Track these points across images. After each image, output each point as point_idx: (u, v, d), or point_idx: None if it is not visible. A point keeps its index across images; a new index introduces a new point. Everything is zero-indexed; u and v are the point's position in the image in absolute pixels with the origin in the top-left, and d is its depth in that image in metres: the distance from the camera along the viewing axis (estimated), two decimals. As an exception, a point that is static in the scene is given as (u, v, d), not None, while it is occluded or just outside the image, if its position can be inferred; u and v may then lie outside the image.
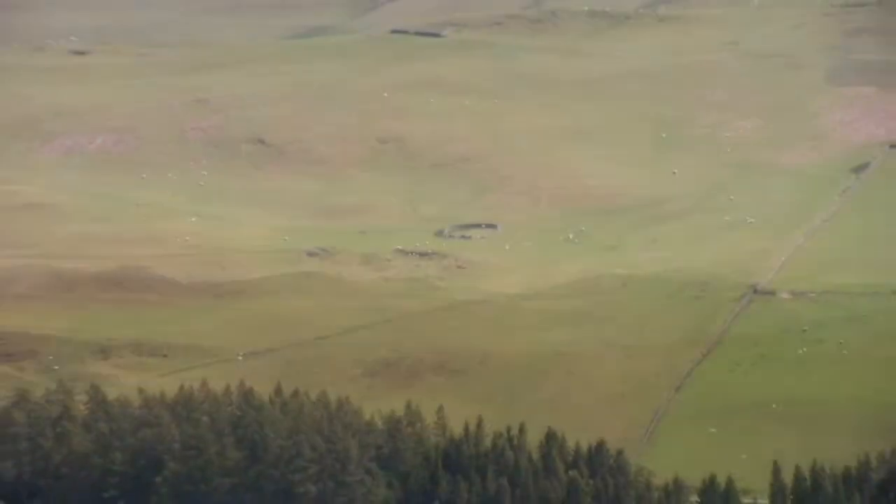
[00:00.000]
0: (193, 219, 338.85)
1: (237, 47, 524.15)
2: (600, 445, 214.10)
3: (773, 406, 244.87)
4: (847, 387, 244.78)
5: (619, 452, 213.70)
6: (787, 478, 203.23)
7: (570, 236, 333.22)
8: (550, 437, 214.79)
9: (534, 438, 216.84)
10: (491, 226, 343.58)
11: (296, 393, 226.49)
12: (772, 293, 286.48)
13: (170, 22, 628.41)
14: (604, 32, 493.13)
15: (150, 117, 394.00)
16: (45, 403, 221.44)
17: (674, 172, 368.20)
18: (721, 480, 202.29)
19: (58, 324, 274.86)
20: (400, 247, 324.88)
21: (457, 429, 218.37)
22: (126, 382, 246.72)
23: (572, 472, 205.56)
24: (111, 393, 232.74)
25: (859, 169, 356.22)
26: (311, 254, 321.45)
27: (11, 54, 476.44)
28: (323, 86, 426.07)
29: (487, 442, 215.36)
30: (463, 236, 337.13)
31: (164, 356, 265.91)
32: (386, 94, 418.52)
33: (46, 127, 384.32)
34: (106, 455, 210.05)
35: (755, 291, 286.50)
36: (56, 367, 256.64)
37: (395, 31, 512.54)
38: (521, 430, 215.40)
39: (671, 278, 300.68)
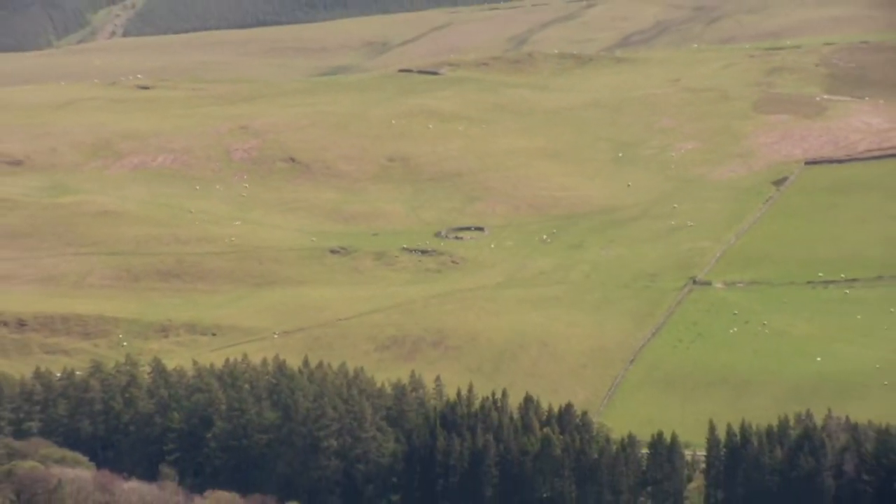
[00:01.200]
0: (237, 223, 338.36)
1: (273, 83, 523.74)
2: (568, 407, 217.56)
3: (709, 375, 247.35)
4: (768, 360, 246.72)
5: (584, 413, 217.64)
6: (721, 434, 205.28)
7: (544, 237, 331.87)
8: (528, 401, 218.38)
9: (514, 401, 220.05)
10: (479, 228, 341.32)
11: (320, 364, 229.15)
12: (708, 283, 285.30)
13: (218, 63, 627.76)
14: (571, 71, 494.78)
15: (202, 140, 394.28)
16: (116, 373, 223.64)
17: (628, 185, 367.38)
18: (667, 436, 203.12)
19: (126, 308, 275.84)
20: (405, 246, 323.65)
21: (451, 394, 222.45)
22: (182, 356, 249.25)
23: (546, 429, 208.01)
24: (170, 365, 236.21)
25: (779, 182, 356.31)
26: (332, 251, 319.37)
27: (91, 89, 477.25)
28: (342, 114, 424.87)
29: (476, 404, 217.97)
30: (456, 237, 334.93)
31: (213, 335, 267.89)
32: (393, 122, 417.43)
33: (118, 148, 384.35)
34: (165, 415, 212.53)
35: (694, 282, 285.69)
36: (125, 344, 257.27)
37: (401, 70, 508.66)
38: (504, 394, 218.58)
39: (625, 271, 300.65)
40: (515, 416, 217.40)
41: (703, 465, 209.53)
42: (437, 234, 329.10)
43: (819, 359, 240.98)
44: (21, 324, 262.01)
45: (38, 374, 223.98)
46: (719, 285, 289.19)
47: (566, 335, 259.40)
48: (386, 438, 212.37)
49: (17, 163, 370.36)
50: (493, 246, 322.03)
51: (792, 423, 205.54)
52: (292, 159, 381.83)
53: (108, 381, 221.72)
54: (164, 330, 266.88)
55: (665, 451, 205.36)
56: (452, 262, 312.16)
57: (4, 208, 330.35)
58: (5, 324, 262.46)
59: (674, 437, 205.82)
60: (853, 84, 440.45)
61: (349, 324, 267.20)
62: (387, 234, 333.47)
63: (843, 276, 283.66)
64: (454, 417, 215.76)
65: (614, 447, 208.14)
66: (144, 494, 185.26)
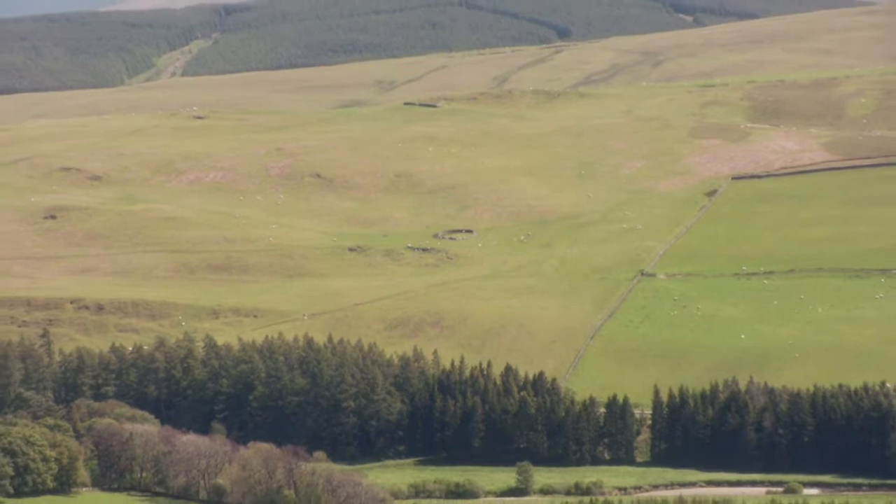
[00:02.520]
0: (273, 226, 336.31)
1: (302, 114, 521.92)
2: (541, 375, 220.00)
3: (654, 349, 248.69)
4: (702, 336, 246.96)
5: (553, 380, 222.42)
6: (664, 396, 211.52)
7: (521, 238, 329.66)
8: (508, 370, 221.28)
9: (497, 370, 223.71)
10: (469, 231, 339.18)
11: (341, 341, 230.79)
12: (653, 275, 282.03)
13: (258, 98, 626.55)
14: (543, 104, 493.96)
15: (245, 160, 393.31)
16: (176, 348, 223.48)
17: (588, 196, 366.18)
18: (620, 398, 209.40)
19: (184, 295, 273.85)
20: (409, 245, 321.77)
21: (447, 364, 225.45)
22: (229, 334, 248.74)
23: (522, 393, 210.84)
24: (220, 341, 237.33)
25: (710, 193, 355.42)
26: (350, 249, 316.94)
27: (155, 118, 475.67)
28: (358, 139, 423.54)
29: (467, 373, 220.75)
30: (451, 238, 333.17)
31: (255, 316, 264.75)
32: (399, 145, 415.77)
33: (177, 166, 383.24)
34: (216, 381, 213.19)
35: (642, 274, 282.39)
36: (183, 324, 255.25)
37: (406, 104, 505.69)
38: (489, 365, 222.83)
39: (587, 265, 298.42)
40: (498, 382, 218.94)
41: (649, 422, 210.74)
42: (435, 236, 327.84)
43: (743, 336, 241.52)
44: (100, 308, 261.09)
45: (113, 349, 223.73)
46: (662, 277, 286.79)
47: (539, 317, 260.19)
48: (394, 400, 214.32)
49: (96, 178, 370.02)
50: (480, 245, 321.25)
51: (721, 387, 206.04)
52: (318, 175, 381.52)
53: (169, 353, 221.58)
54: (214, 313, 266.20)
55: (619, 410, 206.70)
56: (447, 258, 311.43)
57: (87, 215, 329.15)
58: (87, 308, 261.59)
59: (626, 399, 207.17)
60: (771, 114, 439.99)
61: (364, 308, 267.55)
62: (394, 235, 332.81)
63: (762, 269, 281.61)
64: (449, 383, 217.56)
65: (578, 407, 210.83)
66: (199, 445, 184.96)
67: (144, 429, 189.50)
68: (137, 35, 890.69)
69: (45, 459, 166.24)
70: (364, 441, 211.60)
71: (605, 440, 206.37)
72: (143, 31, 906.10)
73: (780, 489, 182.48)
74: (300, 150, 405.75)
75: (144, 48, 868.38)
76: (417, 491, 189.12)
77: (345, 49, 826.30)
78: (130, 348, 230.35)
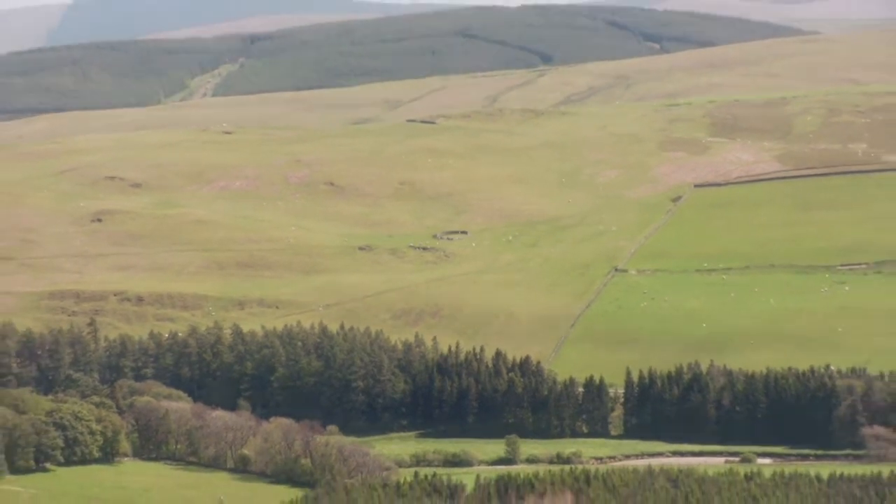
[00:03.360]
0: (292, 228, 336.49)
1: (318, 129, 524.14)
2: (527, 358, 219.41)
3: (627, 335, 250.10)
4: (669, 325, 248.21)
5: (538, 363, 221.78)
6: (635, 377, 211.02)
7: (510, 238, 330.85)
8: (498, 354, 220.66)
9: (489, 354, 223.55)
10: (464, 232, 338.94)
11: (351, 328, 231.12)
12: (625, 271, 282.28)
13: (279, 115, 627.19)
14: (529, 121, 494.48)
15: (268, 170, 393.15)
16: (207, 334, 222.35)
17: (569, 202, 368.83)
18: (597, 379, 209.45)
19: (214, 289, 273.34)
20: (411, 244, 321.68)
21: (444, 349, 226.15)
22: (253, 322, 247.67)
23: (511, 374, 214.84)
24: (245, 328, 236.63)
25: (676, 199, 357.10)
26: (360, 248, 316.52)
27: (189, 133, 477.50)
28: (367, 151, 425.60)
29: (462, 357, 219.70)
30: (448, 238, 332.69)
31: (277, 307, 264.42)
32: (403, 157, 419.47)
33: (208, 175, 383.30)
34: (242, 364, 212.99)
35: (616, 270, 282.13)
36: (213, 314, 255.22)
37: (408, 121, 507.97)
38: (482, 350, 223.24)
39: (568, 262, 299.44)
40: (490, 365, 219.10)
41: (622, 400, 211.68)
42: (434, 236, 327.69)
43: (704, 325, 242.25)
44: (140, 299, 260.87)
45: (151, 336, 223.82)
46: (633, 272, 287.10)
47: (526, 307, 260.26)
48: (398, 380, 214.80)
49: (137, 185, 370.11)
50: (473, 245, 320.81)
51: (685, 369, 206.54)
52: (332, 183, 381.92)
53: (201, 339, 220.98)
54: (240, 304, 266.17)
55: (595, 389, 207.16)
56: (445, 256, 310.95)
57: (128, 218, 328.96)
58: (129, 299, 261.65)
59: (601, 380, 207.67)
60: (728, 130, 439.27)
61: (371, 300, 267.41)
62: (398, 236, 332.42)
63: (721, 266, 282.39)
64: (446, 366, 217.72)
65: (559, 386, 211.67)
66: (227, 420, 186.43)
67: (179, 406, 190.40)
68: (173, 60, 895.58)
69: (92, 432, 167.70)
70: (371, 416, 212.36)
71: (584, 416, 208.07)
72: (178, 56, 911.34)
73: (736, 459, 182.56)
74: (316, 161, 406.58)
75: (179, 72, 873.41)
76: (418, 460, 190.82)
77: (355, 73, 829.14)
78: (166, 335, 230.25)
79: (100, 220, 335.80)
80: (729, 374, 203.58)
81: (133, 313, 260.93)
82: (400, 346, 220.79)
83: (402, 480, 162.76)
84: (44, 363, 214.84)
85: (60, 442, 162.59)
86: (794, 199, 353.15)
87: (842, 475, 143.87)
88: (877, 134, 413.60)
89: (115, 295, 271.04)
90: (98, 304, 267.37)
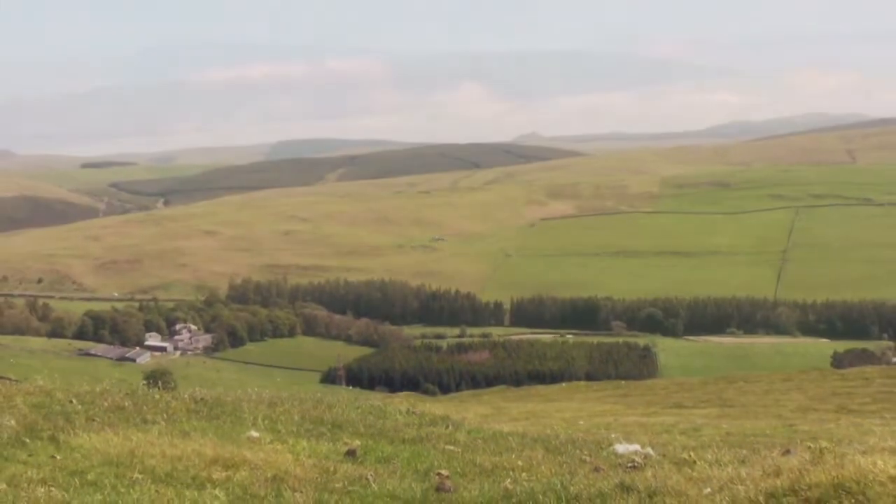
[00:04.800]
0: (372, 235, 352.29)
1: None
2: (468, 293, 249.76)
3: (509, 285, 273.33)
4: (530, 279, 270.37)
5: (471, 293, 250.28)
6: (514, 299, 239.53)
7: (463, 241, 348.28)
8: (457, 292, 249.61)
9: (453, 290, 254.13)
10: (443, 238, 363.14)
11: (391, 280, 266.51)
12: (510, 255, 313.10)
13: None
14: (468, 193, 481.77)
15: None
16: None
17: (494, 223, 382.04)
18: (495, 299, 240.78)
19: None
20: (418, 244, 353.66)
21: (436, 288, 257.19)
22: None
23: (462, 299, 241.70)
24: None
25: (532, 225, 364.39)
26: (398, 246, 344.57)
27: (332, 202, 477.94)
28: (384, 210, 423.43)
29: (442, 291, 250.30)
30: (436, 240, 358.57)
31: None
32: (417, 207, 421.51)
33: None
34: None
35: (506, 256, 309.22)
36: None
37: (420, 192, 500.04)
38: (456, 290, 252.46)
39: (484, 252, 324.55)
40: (454, 291, 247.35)
41: (507, 309, 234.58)
42: (430, 240, 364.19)
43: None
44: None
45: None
46: (514, 256, 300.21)
47: (468, 270, 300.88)
48: (413, 299, 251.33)
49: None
50: (447, 242, 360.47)
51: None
52: (386, 218, 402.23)
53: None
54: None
55: (493, 303, 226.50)
56: (435, 247, 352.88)
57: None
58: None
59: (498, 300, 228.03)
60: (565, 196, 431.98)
61: (405, 267, 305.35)
62: (414, 240, 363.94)
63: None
64: (437, 294, 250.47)
65: (481, 302, 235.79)
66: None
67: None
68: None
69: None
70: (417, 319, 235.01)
71: (492, 320, 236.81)
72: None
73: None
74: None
75: (320, 167, 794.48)
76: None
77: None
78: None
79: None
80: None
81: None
82: (416, 285, 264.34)
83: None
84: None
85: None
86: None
87: None
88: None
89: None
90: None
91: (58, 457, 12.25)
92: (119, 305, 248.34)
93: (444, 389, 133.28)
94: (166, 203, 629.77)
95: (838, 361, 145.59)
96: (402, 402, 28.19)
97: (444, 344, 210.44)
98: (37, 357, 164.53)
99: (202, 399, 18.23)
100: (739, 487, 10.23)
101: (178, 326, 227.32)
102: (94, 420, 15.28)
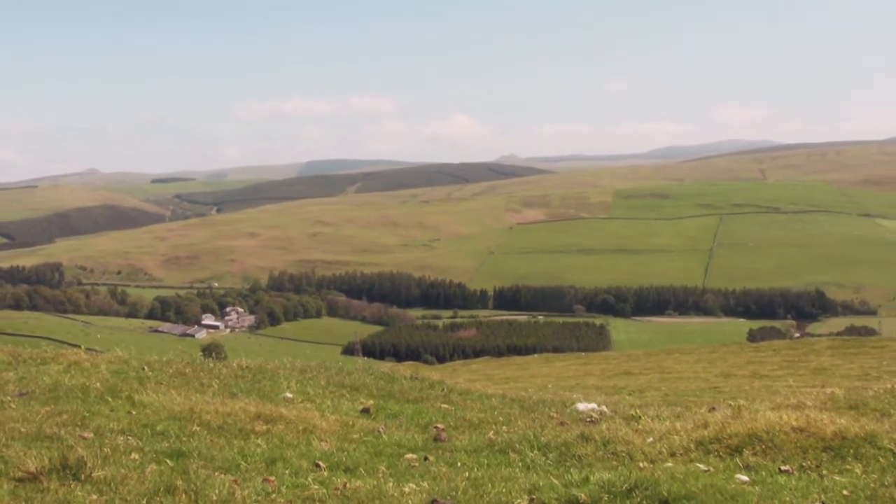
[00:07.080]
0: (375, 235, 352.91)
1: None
2: (459, 283, 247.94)
3: (495, 276, 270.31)
4: (504, 269, 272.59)
5: (461, 283, 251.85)
6: (497, 287, 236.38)
7: (453, 240, 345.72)
8: (450, 282, 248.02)
9: (448, 279, 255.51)
10: (438, 239, 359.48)
11: (397, 273, 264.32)
12: (493, 252, 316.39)
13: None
14: (461, 202, 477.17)
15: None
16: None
17: (479, 226, 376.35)
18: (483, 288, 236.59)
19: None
20: (417, 244, 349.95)
21: (434, 278, 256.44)
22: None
23: (453, 286, 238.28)
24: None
25: (509, 229, 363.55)
26: (404, 244, 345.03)
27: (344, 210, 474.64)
28: (392, 216, 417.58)
29: (439, 280, 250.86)
30: (434, 241, 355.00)
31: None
32: (419, 213, 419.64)
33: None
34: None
35: (490, 253, 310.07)
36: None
37: (422, 201, 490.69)
38: (450, 281, 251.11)
39: (473, 249, 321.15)
40: (448, 282, 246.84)
41: (491, 295, 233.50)
42: (430, 240, 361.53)
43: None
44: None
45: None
46: (497, 253, 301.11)
47: (459, 263, 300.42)
48: (416, 287, 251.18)
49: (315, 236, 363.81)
50: (442, 242, 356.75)
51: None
52: (395, 223, 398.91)
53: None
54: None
55: (478, 291, 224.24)
56: (433, 245, 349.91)
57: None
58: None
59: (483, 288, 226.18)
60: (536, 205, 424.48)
61: (408, 262, 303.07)
62: (416, 240, 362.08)
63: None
64: (435, 283, 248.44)
65: (471, 290, 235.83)
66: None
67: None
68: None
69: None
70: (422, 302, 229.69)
71: (477, 304, 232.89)
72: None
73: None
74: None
75: (341, 182, 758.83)
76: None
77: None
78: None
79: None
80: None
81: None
82: (418, 276, 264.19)
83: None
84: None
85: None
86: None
87: None
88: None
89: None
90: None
91: (133, 412, 12.48)
92: (181, 292, 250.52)
93: (441, 360, 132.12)
94: (219, 211, 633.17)
95: (752, 337, 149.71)
96: (406, 370, 28.01)
97: (440, 323, 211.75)
98: (116, 333, 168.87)
99: (247, 367, 18.17)
100: (675, 437, 10.65)
101: (227, 309, 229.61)
102: (161, 384, 15.44)
